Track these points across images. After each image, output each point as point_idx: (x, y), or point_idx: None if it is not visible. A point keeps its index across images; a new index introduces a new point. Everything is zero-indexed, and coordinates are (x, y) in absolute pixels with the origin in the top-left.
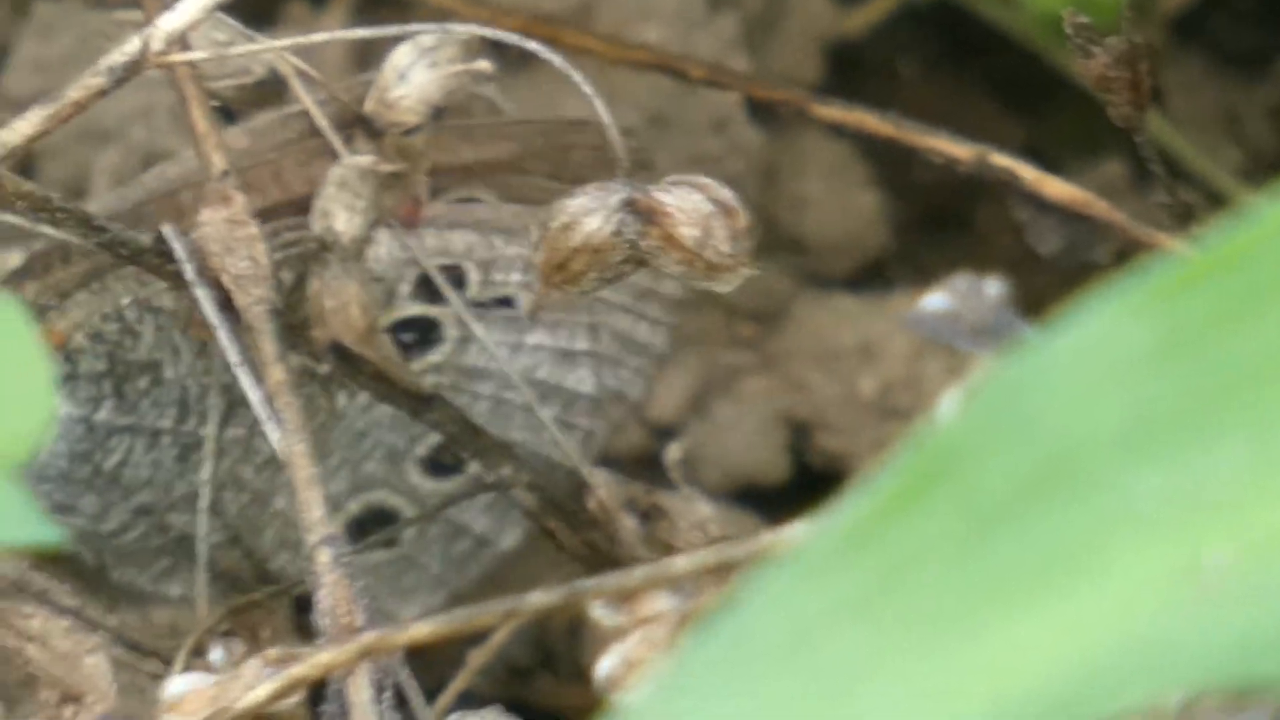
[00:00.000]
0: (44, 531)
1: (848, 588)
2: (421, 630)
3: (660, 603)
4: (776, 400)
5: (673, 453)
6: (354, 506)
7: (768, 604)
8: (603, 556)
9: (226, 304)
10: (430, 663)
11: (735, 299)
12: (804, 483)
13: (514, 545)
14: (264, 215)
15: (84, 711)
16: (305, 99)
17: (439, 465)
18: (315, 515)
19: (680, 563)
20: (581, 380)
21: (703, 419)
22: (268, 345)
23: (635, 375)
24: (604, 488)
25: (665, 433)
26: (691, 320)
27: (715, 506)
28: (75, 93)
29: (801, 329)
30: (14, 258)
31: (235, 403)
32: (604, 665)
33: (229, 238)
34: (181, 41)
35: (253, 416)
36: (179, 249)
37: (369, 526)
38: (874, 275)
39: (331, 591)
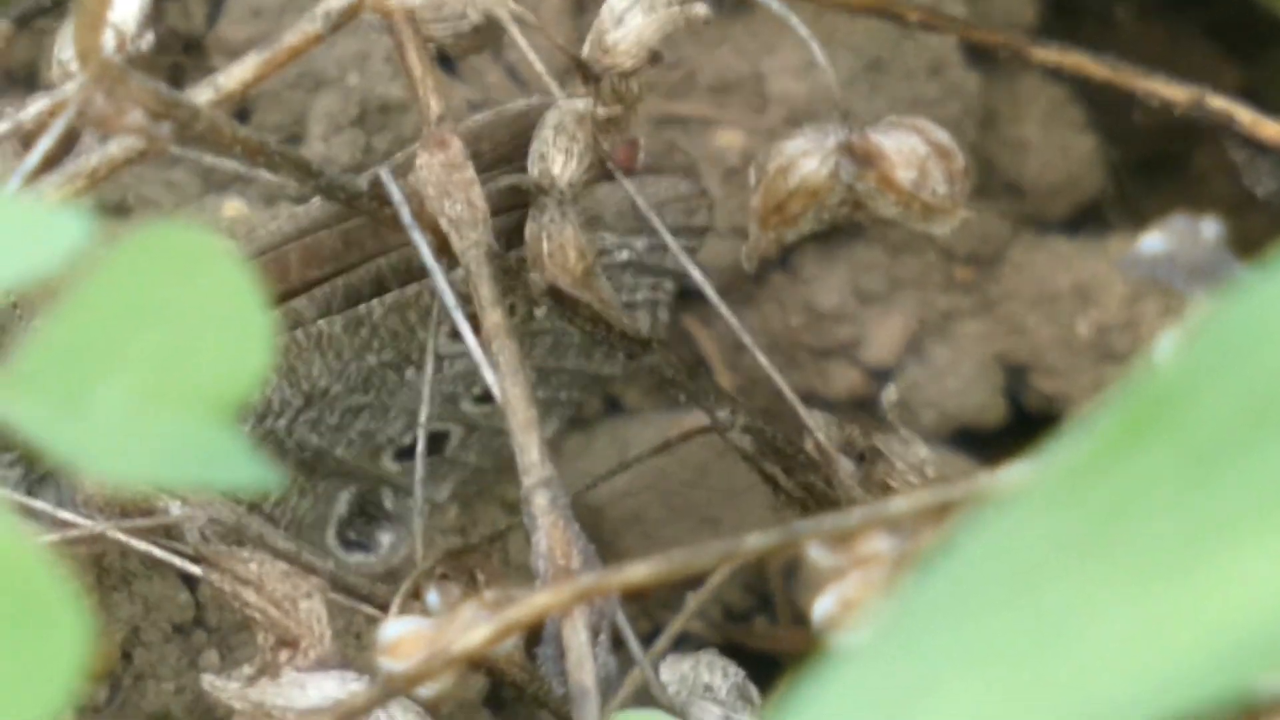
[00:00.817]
0: (260, 474)
1: (1068, 528)
2: (638, 573)
3: (878, 544)
4: (993, 343)
5: (889, 395)
6: None
7: (987, 545)
8: (820, 499)
9: (443, 248)
10: (647, 606)
11: (952, 242)
12: (1020, 425)
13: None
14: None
15: (299, 656)
16: (522, 44)
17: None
18: (532, 458)
19: (898, 503)
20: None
21: (919, 362)
22: (485, 289)
23: None
24: (821, 430)
25: (882, 375)
26: (908, 264)
27: (932, 449)
28: (291, 38)
29: (1018, 272)
30: (231, 205)
31: None
32: (821, 606)
33: (446, 181)
34: None
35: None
36: (395, 193)
37: None
38: (1091, 218)
39: (548, 534)
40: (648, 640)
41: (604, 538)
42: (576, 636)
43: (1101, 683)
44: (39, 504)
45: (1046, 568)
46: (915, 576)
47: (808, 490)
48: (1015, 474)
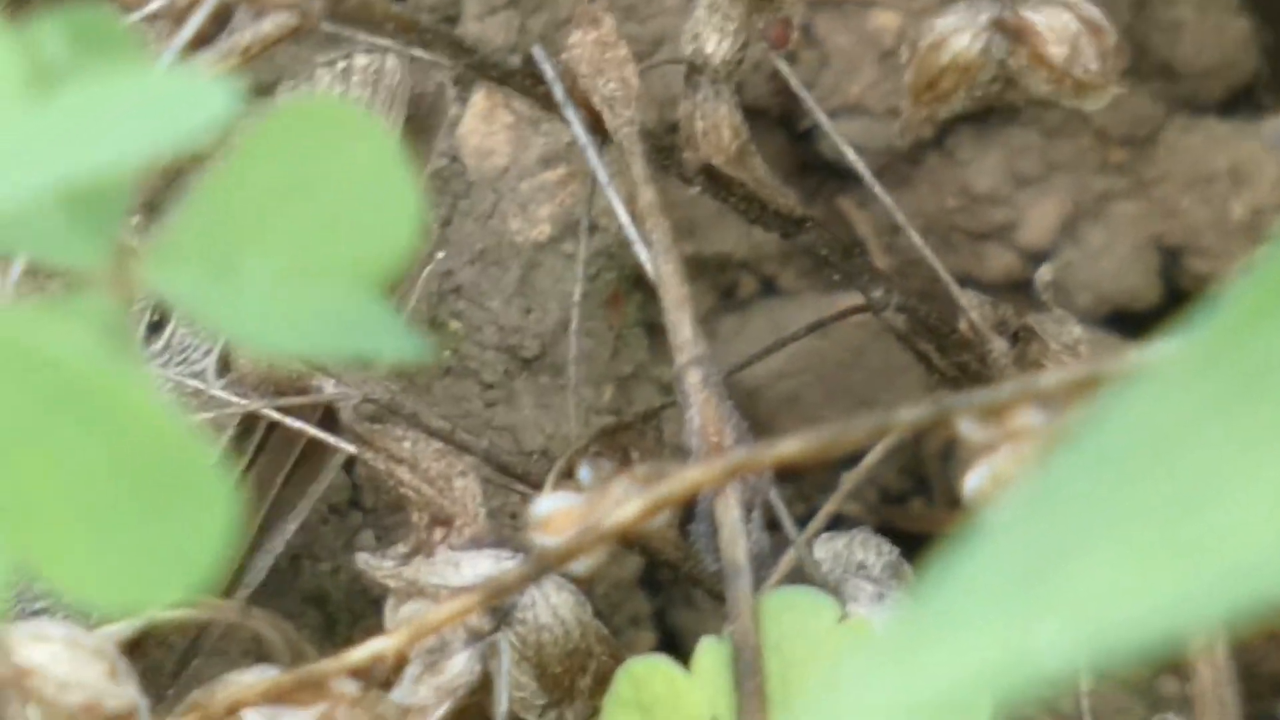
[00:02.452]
0: (414, 347)
1: (1210, 396)
2: (790, 448)
3: (1029, 418)
4: (1147, 225)
5: (1043, 276)
6: None
7: (1130, 415)
8: (974, 378)
9: (596, 126)
10: (802, 489)
11: (1106, 124)
12: (1175, 307)
13: None
14: None
15: (453, 534)
16: None
17: None
18: (685, 335)
19: (1049, 378)
20: None
21: (1074, 244)
22: (637, 166)
23: None
24: (975, 310)
25: (1036, 257)
26: (1063, 146)
27: (1086, 330)
28: None
29: (1173, 154)
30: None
31: None
32: (972, 480)
33: (599, 59)
34: None
35: None
36: (548, 70)
37: None
38: (1245, 100)
39: (701, 410)
40: (803, 522)
41: (759, 420)
42: (729, 513)
43: (1242, 546)
44: (196, 382)
45: (1189, 435)
46: (1062, 449)
47: (961, 370)
48: (1165, 349)
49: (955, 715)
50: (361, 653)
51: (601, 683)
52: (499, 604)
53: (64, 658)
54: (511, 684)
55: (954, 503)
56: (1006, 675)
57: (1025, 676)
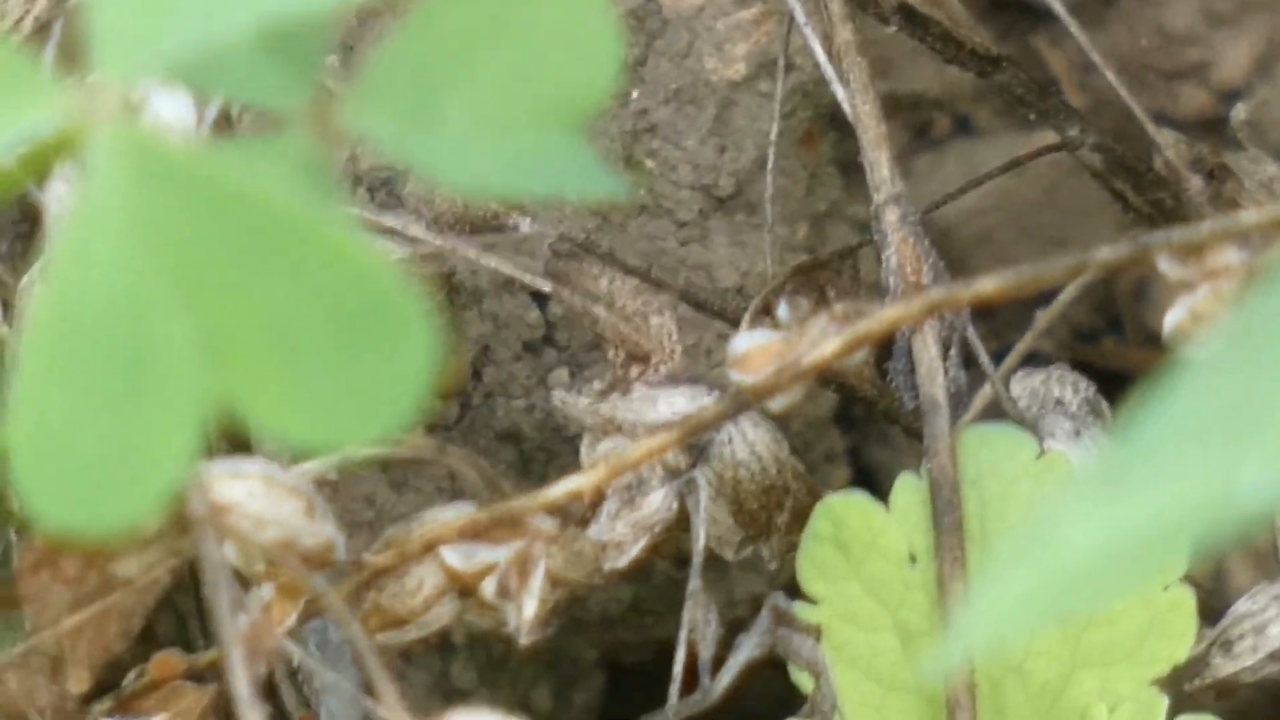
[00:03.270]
0: (609, 186)
1: None
2: (988, 286)
3: (1228, 256)
4: None
5: (1238, 115)
6: None
7: None
8: (1169, 216)
9: None
10: (996, 326)
11: None
12: None
13: None
14: None
15: (650, 371)
16: None
17: None
18: (883, 174)
19: (1248, 215)
20: None
21: (1269, 82)
22: (834, 4)
23: None
24: (1170, 148)
25: (1230, 96)
26: None
27: None
28: None
29: None
30: None
31: None
32: (1171, 319)
33: None
34: None
35: None
36: None
37: None
38: None
39: (898, 249)
40: (997, 359)
41: (953, 258)
42: (927, 350)
43: None
44: (391, 221)
45: None
46: (1262, 288)
47: (1156, 207)
48: None
49: (1155, 553)
50: (558, 490)
51: (798, 519)
52: (695, 441)
53: (260, 495)
54: (708, 520)
55: (1146, 341)
56: (1208, 515)
57: (1227, 516)
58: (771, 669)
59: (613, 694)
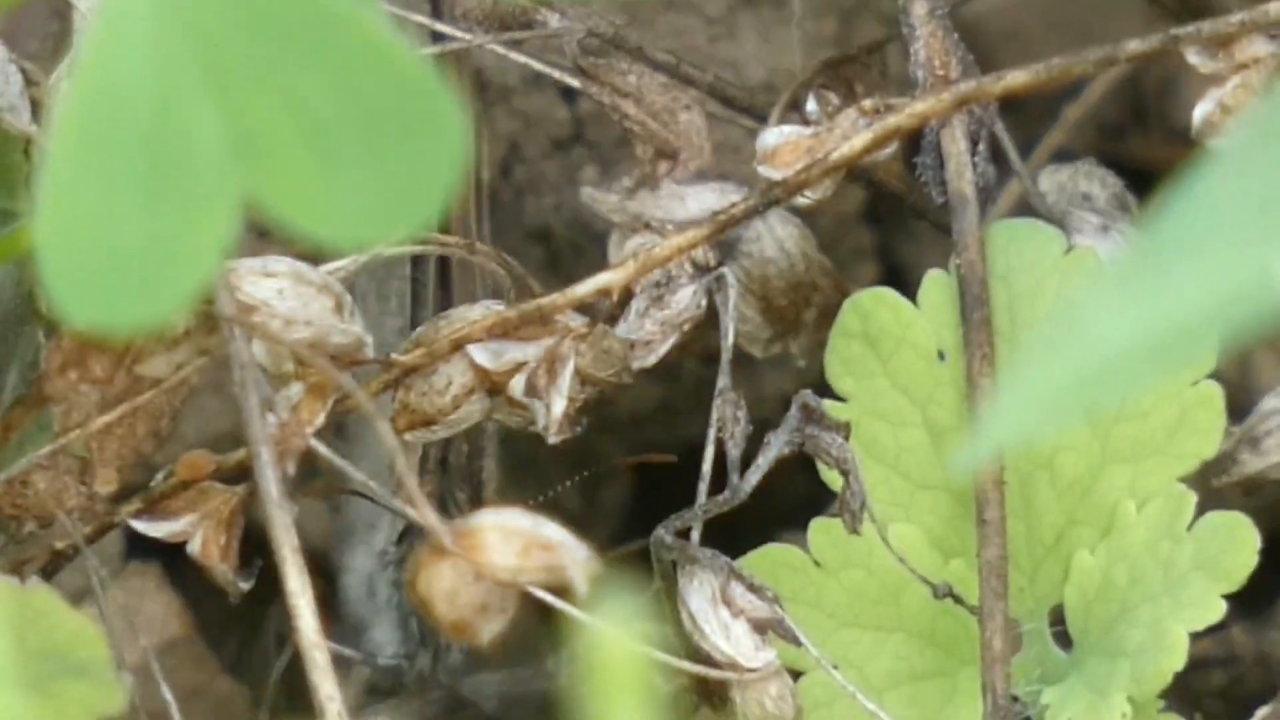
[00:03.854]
0: None
1: None
2: (1017, 79)
3: (1257, 48)
4: None
5: None
6: None
7: None
8: (1194, 11)
9: None
10: (1024, 121)
11: None
12: None
13: None
14: None
15: (678, 168)
16: None
17: None
18: None
19: (1277, 7)
20: None
21: None
22: None
23: None
24: None
25: None
26: None
27: None
28: None
29: None
30: None
31: None
32: (1200, 111)
33: None
34: None
35: None
36: None
37: None
38: None
39: (927, 43)
40: (1025, 154)
41: (981, 52)
42: (955, 144)
43: None
44: (419, 18)
45: None
46: None
47: (1183, 2)
48: None
49: (1184, 346)
50: (587, 287)
51: (826, 316)
52: (724, 238)
53: (290, 293)
54: (736, 318)
55: (1173, 137)
56: (1238, 307)
57: (1258, 308)
58: (799, 469)
59: (641, 494)
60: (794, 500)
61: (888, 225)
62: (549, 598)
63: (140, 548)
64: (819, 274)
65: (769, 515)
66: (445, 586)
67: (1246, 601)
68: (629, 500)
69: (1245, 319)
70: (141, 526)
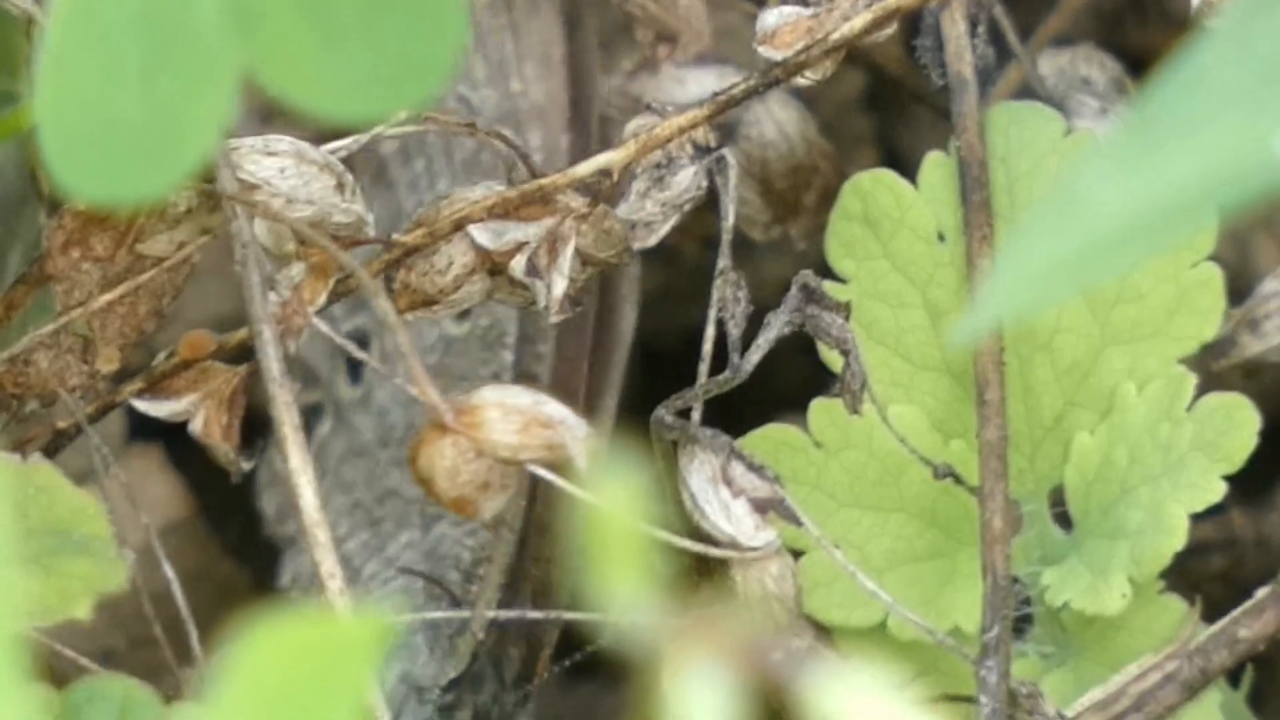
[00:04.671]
0: None
1: None
2: None
3: None
4: None
5: None
6: None
7: None
8: None
9: None
10: (1024, 6)
11: None
12: None
13: None
14: None
15: (678, 51)
16: None
17: None
18: None
19: None
20: None
21: None
22: None
23: None
24: None
25: None
26: None
27: None
28: None
29: None
30: None
31: None
32: None
33: None
34: None
35: None
36: None
37: None
38: None
39: None
40: (1024, 39)
41: None
42: (955, 27)
43: None
44: None
45: None
46: None
47: None
48: None
49: (1182, 221)
50: (587, 166)
51: (826, 199)
52: (724, 121)
53: (292, 172)
54: (736, 199)
55: (1170, 24)
56: (1238, 179)
57: (1258, 180)
58: (800, 353)
59: (643, 380)
60: (794, 384)
61: (887, 111)
62: (548, 475)
63: (142, 430)
64: (819, 157)
65: (769, 399)
66: (446, 464)
67: (1246, 486)
68: (631, 387)
69: (1243, 193)
70: (143, 406)
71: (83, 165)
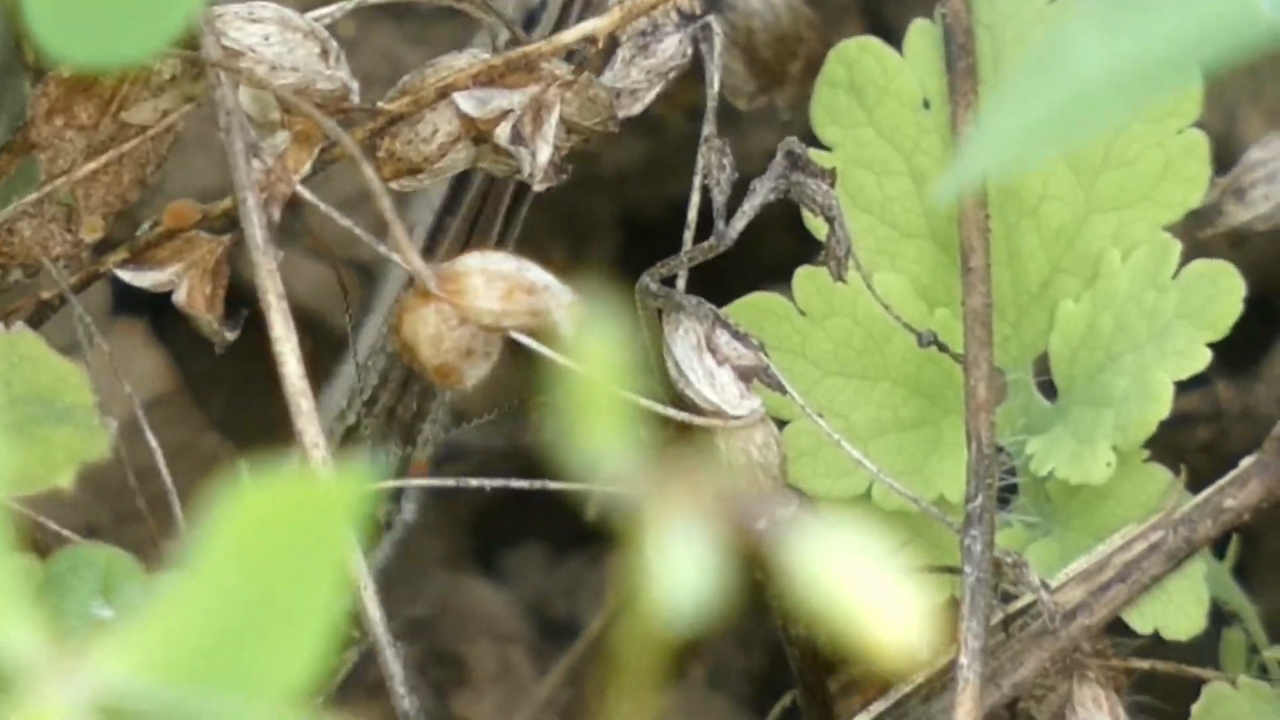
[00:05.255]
0: None
1: None
2: None
3: None
4: None
5: None
6: None
7: None
8: None
9: None
10: None
11: None
12: None
13: None
14: None
15: None
16: None
17: None
18: None
19: None
20: None
21: None
22: None
23: None
24: None
25: None
26: None
27: None
28: None
29: None
30: None
31: None
32: None
33: None
34: None
35: None
36: None
37: None
38: None
39: None
40: None
41: None
42: None
43: None
44: None
45: None
46: None
47: None
48: None
49: (1170, 73)
50: (572, 33)
51: (811, 69)
52: None
53: (276, 39)
54: (722, 69)
55: None
56: (1226, 32)
57: (1245, 33)
58: (784, 227)
59: (629, 252)
60: (779, 258)
61: None
62: (531, 342)
63: (127, 304)
64: (804, 26)
65: (754, 274)
66: (430, 331)
67: (1231, 357)
68: (618, 259)
69: (1229, 48)
70: (127, 276)
71: (66, 28)
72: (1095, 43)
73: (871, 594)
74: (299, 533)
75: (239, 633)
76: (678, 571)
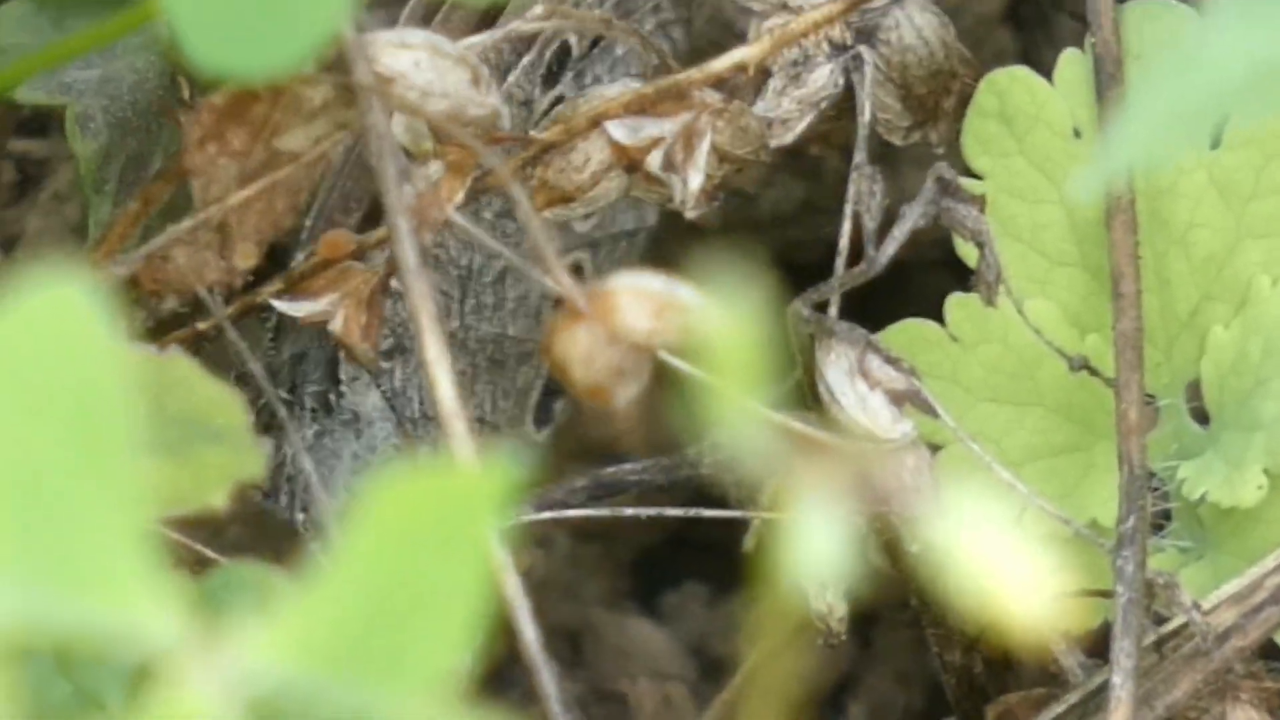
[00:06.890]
0: None
1: None
2: None
3: None
4: None
5: None
6: None
7: None
8: None
9: None
10: None
11: None
12: None
13: None
14: None
15: None
16: None
17: None
18: None
19: None
20: None
21: None
22: None
23: None
24: None
25: None
26: None
27: None
28: None
29: None
30: None
31: None
32: None
33: None
34: None
35: None
36: None
37: None
38: None
39: None
40: None
41: None
42: None
43: None
44: None
45: None
46: None
47: None
48: None
49: None
50: (723, 62)
51: (964, 104)
52: (863, 27)
53: (427, 65)
54: (875, 105)
55: None
56: None
57: None
58: (936, 264)
59: (783, 292)
60: (930, 295)
61: (1030, 29)
62: (681, 363)
63: None
64: (958, 62)
65: (905, 308)
66: (581, 350)
67: None
68: (772, 297)
69: None
70: (283, 307)
71: (215, 40)
72: (1231, 39)
73: (1015, 574)
74: (444, 525)
75: (383, 624)
76: (810, 535)
